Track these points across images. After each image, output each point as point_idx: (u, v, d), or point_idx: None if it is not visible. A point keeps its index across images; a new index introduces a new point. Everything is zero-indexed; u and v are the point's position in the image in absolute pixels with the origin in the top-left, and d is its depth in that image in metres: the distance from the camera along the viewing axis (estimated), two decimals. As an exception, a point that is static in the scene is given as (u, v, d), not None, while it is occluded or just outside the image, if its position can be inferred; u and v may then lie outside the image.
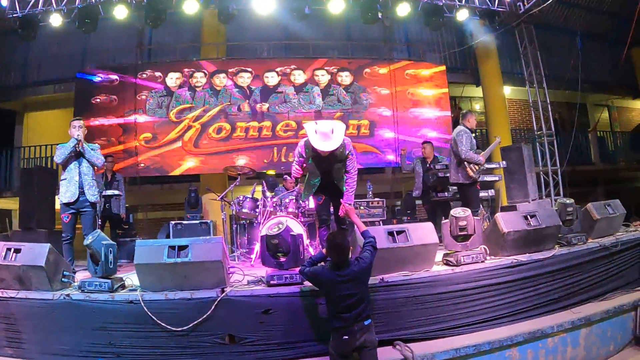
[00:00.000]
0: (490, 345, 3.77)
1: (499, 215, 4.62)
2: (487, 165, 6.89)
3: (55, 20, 8.65)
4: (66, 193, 5.07)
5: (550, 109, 10.25)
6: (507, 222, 4.53)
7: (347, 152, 4.63)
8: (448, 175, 6.74)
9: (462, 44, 11.58)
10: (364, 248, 3.53)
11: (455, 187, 6.70)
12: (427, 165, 7.39)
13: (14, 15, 8.82)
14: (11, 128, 11.71)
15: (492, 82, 11.24)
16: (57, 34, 10.05)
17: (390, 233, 4.05)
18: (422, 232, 4.18)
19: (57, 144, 5.21)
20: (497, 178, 7.73)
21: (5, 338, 3.86)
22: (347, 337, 3.22)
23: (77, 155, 5.14)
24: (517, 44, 10.31)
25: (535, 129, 10.40)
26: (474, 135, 6.26)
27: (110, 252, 3.99)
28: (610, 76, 14.10)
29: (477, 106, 13.33)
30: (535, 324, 4.07)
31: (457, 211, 4.42)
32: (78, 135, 5.07)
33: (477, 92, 12.48)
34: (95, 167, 5.35)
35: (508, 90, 12.18)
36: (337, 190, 4.70)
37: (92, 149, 5.26)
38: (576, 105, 13.22)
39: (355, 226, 3.92)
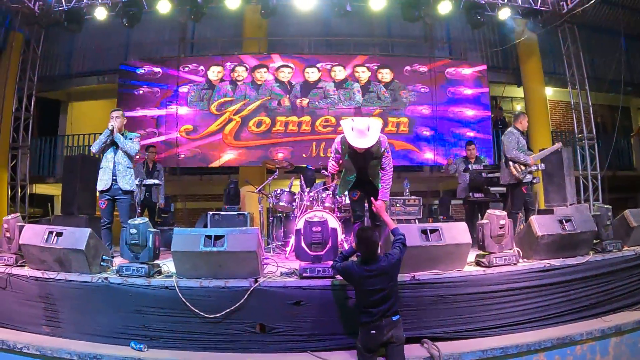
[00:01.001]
0: (518, 349, 3.74)
1: (533, 218, 4.57)
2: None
3: (100, 13, 8.87)
4: (101, 181, 5.24)
5: (592, 112, 9.97)
6: (541, 225, 4.45)
7: (383, 149, 4.59)
8: (486, 175, 6.70)
9: (503, 43, 11.35)
10: (393, 244, 3.55)
11: (495, 189, 6.69)
12: (470, 165, 7.31)
13: (60, 8, 9.09)
14: (56, 117, 12.09)
15: (533, 83, 10.99)
16: (101, 27, 10.29)
17: (424, 231, 4.05)
18: (456, 231, 4.17)
19: (99, 134, 5.36)
20: (535, 180, 7.55)
21: (44, 317, 4.01)
22: (374, 331, 3.26)
23: (112, 144, 5.28)
24: (559, 44, 10.03)
25: (576, 131, 10.14)
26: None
27: (157, 239, 4.11)
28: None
29: (519, 107, 13.07)
30: (564, 330, 4.01)
31: (495, 211, 4.40)
32: (111, 125, 5.22)
33: (519, 92, 12.23)
34: (132, 157, 5.45)
35: (550, 91, 11.91)
36: (372, 187, 4.70)
37: (129, 138, 5.38)
38: (619, 109, 12.95)
39: (386, 224, 3.97)
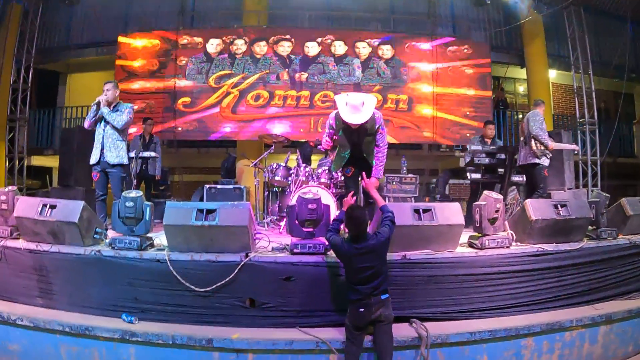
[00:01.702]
0: (506, 332, 3.70)
1: (528, 202, 4.48)
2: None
3: None
4: (92, 155, 5.23)
5: (594, 97, 9.85)
6: (535, 209, 4.36)
7: (378, 125, 4.54)
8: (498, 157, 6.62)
9: (508, 23, 11.19)
10: (382, 222, 3.49)
11: (502, 171, 6.53)
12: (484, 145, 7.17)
13: None
14: (54, 88, 12.00)
15: (537, 65, 10.88)
16: (100, -2, 10.24)
17: (417, 210, 3.97)
18: (449, 212, 4.08)
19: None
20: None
21: (38, 289, 4.01)
22: (362, 309, 3.23)
23: (102, 118, 5.24)
24: (564, 26, 9.88)
25: (578, 116, 10.02)
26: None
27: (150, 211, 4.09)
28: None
29: (521, 88, 12.95)
30: (554, 316, 3.95)
31: (492, 193, 4.34)
32: (98, 99, 5.19)
33: (521, 73, 12.09)
34: (121, 130, 5.35)
35: (553, 74, 11.75)
36: (366, 163, 4.65)
37: (119, 110, 5.31)
38: (622, 95, 12.81)
39: (375, 201, 3.91)
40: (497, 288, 3.99)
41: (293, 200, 5.82)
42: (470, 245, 4.29)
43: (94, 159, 5.22)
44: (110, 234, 4.21)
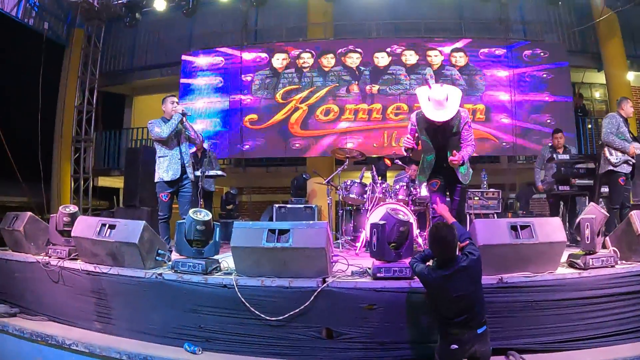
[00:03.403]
0: None
1: (634, 214, 3.98)
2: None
3: (159, 4, 8.85)
4: (168, 171, 4.94)
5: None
6: None
7: (464, 123, 4.11)
8: (573, 166, 6.11)
9: (581, 23, 10.58)
10: (468, 244, 3.05)
11: (582, 182, 6.11)
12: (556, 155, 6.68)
13: (119, 2, 9.13)
14: (121, 111, 12.31)
15: (615, 67, 10.17)
16: (162, 20, 10.42)
17: (514, 227, 3.57)
18: (549, 228, 3.66)
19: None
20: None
21: (95, 313, 3.90)
22: (455, 346, 2.79)
23: (177, 132, 5.06)
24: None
25: (663, 120, 9.26)
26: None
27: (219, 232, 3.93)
28: None
29: (597, 94, 12.21)
30: None
31: (598, 206, 4.01)
32: (182, 109, 5.05)
33: (599, 78, 11.39)
34: (198, 144, 5.37)
35: (632, 76, 10.99)
36: (453, 173, 4.20)
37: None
38: None
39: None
40: (602, 313, 3.55)
41: (372, 218, 5.49)
42: (571, 265, 3.87)
43: (171, 175, 4.92)
44: (174, 256, 4.01)
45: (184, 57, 10.13)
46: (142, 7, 9.11)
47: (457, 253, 2.97)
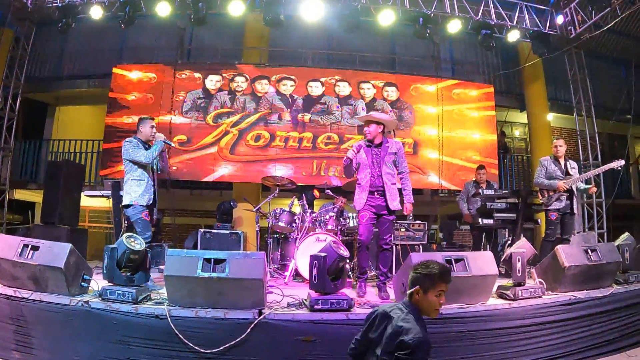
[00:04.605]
0: None
1: (559, 248, 4.38)
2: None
3: (96, 12, 8.46)
4: (144, 195, 4.81)
5: (597, 139, 9.82)
6: (568, 255, 4.28)
7: (397, 147, 4.75)
8: (496, 202, 6.46)
9: (507, 66, 11.23)
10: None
11: (502, 215, 6.48)
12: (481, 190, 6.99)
13: (54, 4, 8.65)
14: (42, 120, 11.54)
15: (537, 108, 10.89)
16: (95, 28, 10.00)
17: (448, 260, 3.77)
18: (482, 261, 3.93)
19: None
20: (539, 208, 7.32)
21: (14, 341, 3.60)
22: None
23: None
24: (565, 70, 9.88)
25: (581, 158, 9.92)
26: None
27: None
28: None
29: (517, 132, 12.94)
30: None
31: (521, 243, 4.32)
32: (164, 138, 5.04)
33: (520, 117, 12.10)
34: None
35: (551, 117, 11.75)
36: (385, 204, 4.58)
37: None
38: (616, 137, 12.91)
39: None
40: (531, 341, 3.81)
41: (302, 248, 5.54)
42: (501, 296, 4.11)
43: (147, 200, 4.82)
44: (102, 283, 3.75)
45: (115, 70, 9.66)
46: (77, 13, 8.62)
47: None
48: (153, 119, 5.22)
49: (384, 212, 4.65)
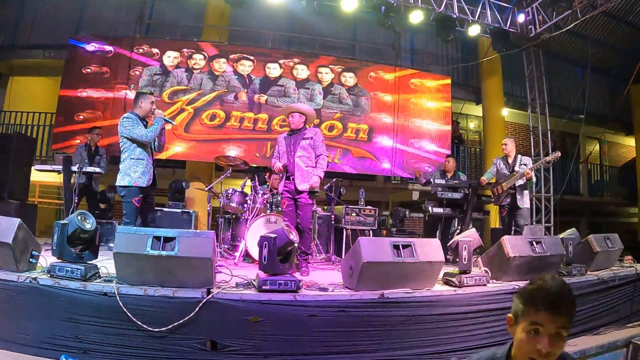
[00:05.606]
0: None
1: (505, 239, 4.50)
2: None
3: None
4: (143, 176, 4.58)
5: (549, 136, 10.18)
6: (513, 246, 4.40)
7: (313, 133, 5.01)
8: (443, 191, 6.69)
9: (466, 60, 11.49)
10: None
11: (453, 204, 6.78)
12: (446, 179, 7.17)
13: None
14: (-7, 90, 11.14)
15: (492, 102, 11.18)
16: (53, -1, 9.65)
17: (396, 246, 3.81)
18: (429, 248, 3.99)
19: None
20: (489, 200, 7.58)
21: None
22: None
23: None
24: (522, 67, 10.18)
25: (532, 154, 10.27)
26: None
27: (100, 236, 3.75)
28: (607, 110, 14.23)
29: (472, 124, 13.27)
30: None
31: (469, 232, 4.43)
32: (163, 115, 4.80)
33: (475, 110, 12.41)
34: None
35: (506, 112, 12.12)
36: (298, 188, 4.83)
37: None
38: (568, 135, 13.39)
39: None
40: (475, 327, 3.93)
41: (252, 229, 5.57)
42: (447, 282, 4.21)
43: (146, 181, 4.59)
44: (51, 259, 3.66)
45: (72, 41, 9.42)
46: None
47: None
48: (152, 93, 4.94)
49: (297, 195, 4.90)
